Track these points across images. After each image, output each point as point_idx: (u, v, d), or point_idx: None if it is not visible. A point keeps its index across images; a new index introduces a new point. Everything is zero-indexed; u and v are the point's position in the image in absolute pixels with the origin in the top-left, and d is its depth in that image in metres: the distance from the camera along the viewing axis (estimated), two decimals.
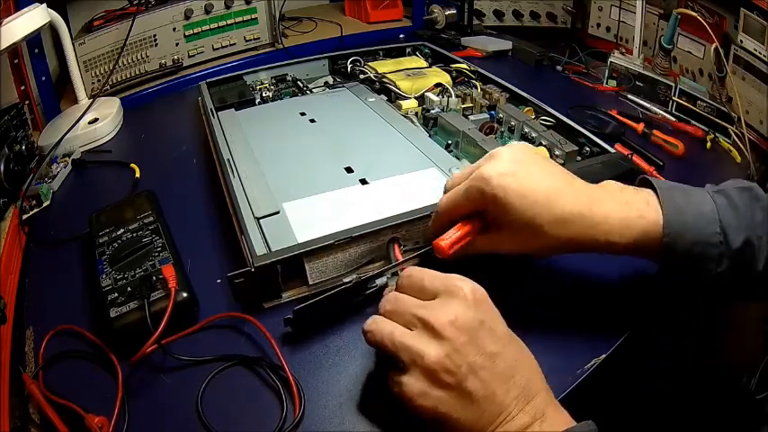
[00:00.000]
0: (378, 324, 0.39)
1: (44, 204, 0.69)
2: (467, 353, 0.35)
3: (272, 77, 0.92)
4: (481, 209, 0.43)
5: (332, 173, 0.63)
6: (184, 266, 0.53)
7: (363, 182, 0.61)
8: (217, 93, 0.86)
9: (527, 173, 0.41)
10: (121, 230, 0.56)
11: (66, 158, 0.77)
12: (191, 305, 0.49)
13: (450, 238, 0.44)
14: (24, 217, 0.66)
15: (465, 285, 0.38)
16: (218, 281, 0.54)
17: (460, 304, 0.37)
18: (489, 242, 0.45)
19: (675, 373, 0.89)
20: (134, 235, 0.55)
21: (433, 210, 0.48)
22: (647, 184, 0.45)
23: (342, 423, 0.41)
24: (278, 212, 0.56)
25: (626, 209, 0.42)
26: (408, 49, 1.01)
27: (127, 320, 0.46)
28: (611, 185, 0.44)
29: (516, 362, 0.37)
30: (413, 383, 0.36)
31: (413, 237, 0.53)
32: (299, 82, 0.91)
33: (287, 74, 0.93)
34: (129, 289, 0.48)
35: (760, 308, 0.87)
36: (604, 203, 0.42)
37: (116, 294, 0.48)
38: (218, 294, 0.52)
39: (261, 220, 0.54)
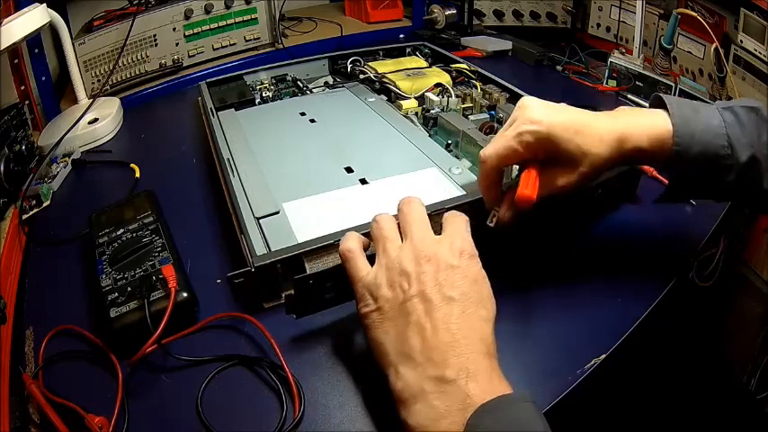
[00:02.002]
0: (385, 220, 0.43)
1: (44, 204, 0.69)
2: (427, 280, 0.37)
3: (272, 77, 0.92)
4: (533, 152, 0.45)
5: (332, 173, 0.63)
6: (184, 266, 0.53)
7: (363, 182, 0.61)
8: (217, 93, 0.86)
9: (559, 110, 0.45)
10: (121, 230, 0.56)
11: (66, 158, 0.77)
12: (191, 305, 0.49)
13: (528, 185, 0.44)
14: (24, 217, 0.66)
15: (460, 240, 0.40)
16: (218, 281, 0.54)
17: (447, 246, 0.40)
18: (545, 183, 0.46)
19: (675, 373, 0.90)
20: (134, 235, 0.55)
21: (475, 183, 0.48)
22: (658, 101, 0.47)
23: (342, 423, 0.41)
24: (278, 212, 0.56)
25: (645, 120, 0.46)
26: (408, 49, 1.01)
27: (127, 320, 0.46)
28: (626, 108, 0.48)
29: (475, 319, 0.37)
30: (373, 274, 0.40)
31: None
32: (299, 82, 0.91)
33: (287, 74, 0.93)
34: (129, 289, 0.48)
35: (760, 308, 0.87)
36: (628, 120, 0.46)
37: (116, 294, 0.48)
38: (218, 294, 0.52)
39: (261, 220, 0.54)
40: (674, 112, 0.44)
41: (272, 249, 0.50)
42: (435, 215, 0.47)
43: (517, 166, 0.52)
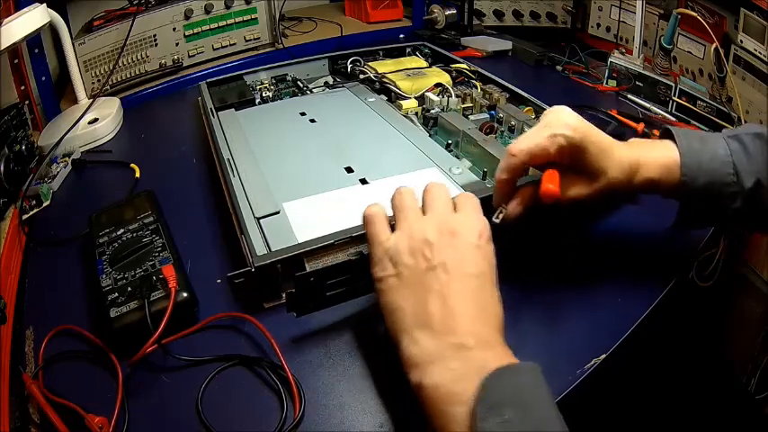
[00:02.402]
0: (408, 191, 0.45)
1: (44, 204, 0.69)
2: (450, 253, 0.39)
3: (272, 77, 0.92)
4: (561, 156, 0.46)
5: (332, 173, 0.63)
6: (184, 266, 0.53)
7: (363, 182, 0.61)
8: (217, 93, 0.86)
9: (591, 125, 0.47)
10: (121, 230, 0.56)
11: (66, 158, 0.77)
12: (191, 305, 0.49)
13: (553, 181, 0.45)
14: (24, 217, 0.66)
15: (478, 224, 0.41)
16: (219, 281, 0.54)
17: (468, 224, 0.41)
18: (563, 187, 0.47)
19: (675, 373, 0.90)
20: (134, 235, 0.55)
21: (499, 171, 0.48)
22: (667, 133, 0.50)
23: (342, 423, 0.41)
24: (278, 212, 0.56)
25: (656, 152, 0.48)
26: (408, 49, 1.01)
27: (127, 320, 0.46)
28: (639, 140, 0.51)
29: (491, 297, 0.39)
30: (395, 239, 0.41)
31: None
32: (299, 82, 0.91)
33: (287, 74, 0.93)
34: (129, 289, 0.48)
35: (760, 308, 0.87)
36: (641, 151, 0.48)
37: (116, 294, 0.48)
38: (218, 294, 0.52)
39: (261, 220, 0.54)
40: (681, 143, 0.47)
41: (273, 249, 0.50)
42: None
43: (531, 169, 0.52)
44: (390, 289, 0.39)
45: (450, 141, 0.70)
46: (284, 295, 0.46)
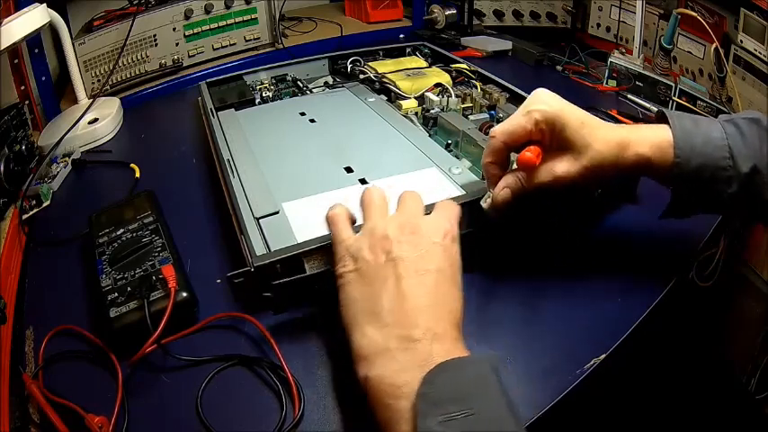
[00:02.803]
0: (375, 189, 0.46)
1: (44, 204, 0.69)
2: (407, 249, 0.39)
3: (272, 77, 0.92)
4: (541, 132, 0.46)
5: (331, 173, 0.63)
6: (184, 266, 0.53)
7: (363, 181, 0.61)
8: (217, 93, 0.86)
9: (569, 103, 0.47)
10: (121, 230, 0.56)
11: (66, 158, 0.77)
12: (190, 305, 0.49)
13: (531, 151, 0.45)
14: (24, 217, 0.66)
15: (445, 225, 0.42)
16: (218, 281, 0.54)
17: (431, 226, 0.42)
18: (546, 168, 0.47)
19: (675, 373, 0.90)
20: (134, 235, 0.55)
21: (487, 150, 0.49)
22: (661, 118, 0.49)
23: (342, 423, 0.41)
24: (277, 212, 0.55)
25: (647, 131, 0.47)
26: (408, 49, 1.01)
27: (127, 320, 0.46)
28: (630, 124, 0.50)
29: (448, 293, 0.39)
30: (357, 237, 0.42)
31: None
32: (299, 82, 0.91)
33: (287, 74, 0.93)
34: (128, 289, 0.48)
35: (760, 308, 0.87)
36: (630, 129, 0.47)
37: (116, 294, 0.48)
38: (218, 294, 0.52)
39: (260, 220, 0.54)
40: (674, 124, 0.45)
41: (272, 249, 0.50)
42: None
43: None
44: (348, 284, 0.40)
45: (449, 141, 0.70)
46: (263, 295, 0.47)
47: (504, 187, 0.47)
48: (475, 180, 0.60)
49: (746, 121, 0.46)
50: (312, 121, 0.75)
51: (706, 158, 0.44)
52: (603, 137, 0.45)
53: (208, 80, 0.88)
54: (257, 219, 0.54)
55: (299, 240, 0.50)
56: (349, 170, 0.63)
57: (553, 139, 0.46)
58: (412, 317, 0.36)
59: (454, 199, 0.53)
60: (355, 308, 0.39)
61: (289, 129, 0.74)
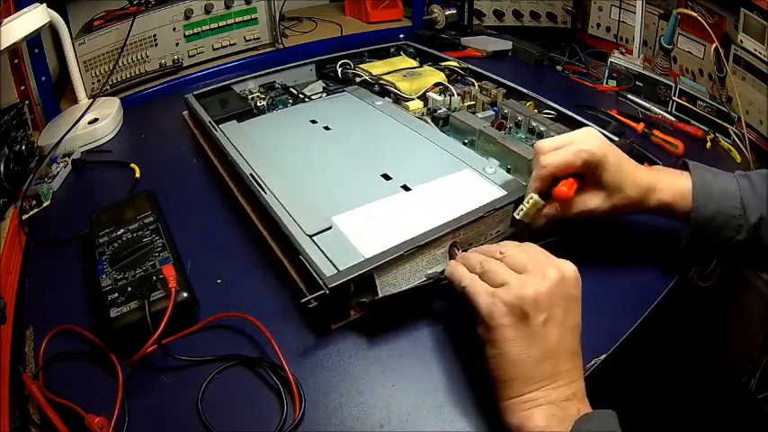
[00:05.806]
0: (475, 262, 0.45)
1: (44, 204, 0.69)
2: (553, 304, 0.40)
3: (259, 86, 0.89)
4: (584, 169, 0.51)
5: (369, 181, 0.60)
6: (184, 266, 0.53)
7: (406, 188, 0.59)
8: (207, 104, 0.80)
9: (613, 146, 0.52)
10: (121, 230, 0.56)
11: (66, 158, 0.77)
12: (191, 305, 0.49)
13: (568, 186, 0.50)
14: (24, 217, 0.66)
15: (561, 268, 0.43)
16: (219, 281, 0.54)
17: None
18: (582, 200, 0.53)
19: (676, 373, 0.89)
20: (134, 235, 0.55)
21: (532, 178, 0.53)
22: (686, 166, 0.54)
23: (342, 423, 0.41)
24: (330, 228, 0.53)
25: (672, 178, 0.53)
26: (392, 49, 1.00)
27: (127, 320, 0.46)
28: (662, 167, 0.56)
29: (577, 347, 0.41)
30: (502, 292, 0.41)
31: (468, 239, 0.53)
32: (291, 89, 0.88)
33: (274, 81, 0.91)
34: (129, 289, 0.48)
35: (760, 308, 0.87)
36: (659, 176, 0.53)
37: (116, 294, 0.48)
38: (218, 294, 0.52)
39: (314, 238, 0.52)
40: (695, 174, 0.52)
41: (339, 267, 0.47)
42: (488, 217, 0.53)
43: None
44: (503, 340, 0.40)
45: (466, 141, 0.70)
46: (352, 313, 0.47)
47: (542, 216, 0.53)
48: (510, 179, 0.60)
49: (759, 177, 0.51)
50: (326, 128, 0.73)
51: (720, 205, 0.50)
52: (633, 181, 0.51)
53: (195, 92, 0.83)
54: (310, 236, 0.52)
55: (366, 255, 0.48)
56: (387, 177, 0.61)
57: (592, 176, 0.51)
58: (569, 376, 0.40)
59: (499, 200, 0.55)
60: (516, 368, 0.40)
61: (305, 138, 0.71)
